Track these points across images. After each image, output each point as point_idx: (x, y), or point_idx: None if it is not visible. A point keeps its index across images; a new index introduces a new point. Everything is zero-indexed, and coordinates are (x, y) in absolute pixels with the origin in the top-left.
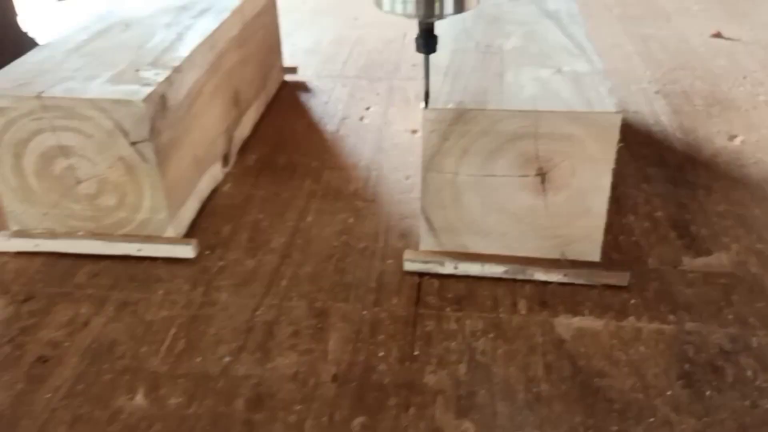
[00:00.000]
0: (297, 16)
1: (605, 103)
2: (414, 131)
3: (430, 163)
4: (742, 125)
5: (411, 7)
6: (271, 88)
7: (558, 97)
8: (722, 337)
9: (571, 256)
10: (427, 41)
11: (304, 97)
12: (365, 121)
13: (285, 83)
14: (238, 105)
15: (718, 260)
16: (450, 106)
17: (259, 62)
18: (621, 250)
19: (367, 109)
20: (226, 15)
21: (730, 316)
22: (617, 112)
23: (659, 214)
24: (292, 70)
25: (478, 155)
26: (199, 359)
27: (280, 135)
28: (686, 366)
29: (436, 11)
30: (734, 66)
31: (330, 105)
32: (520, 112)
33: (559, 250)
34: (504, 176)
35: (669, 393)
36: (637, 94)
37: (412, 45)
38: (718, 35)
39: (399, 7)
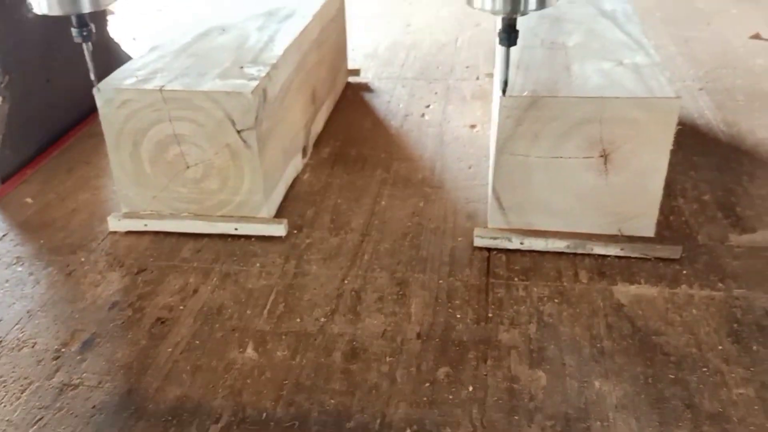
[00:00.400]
0: (354, 22)
1: (666, 90)
2: (473, 126)
3: (504, 146)
4: None
5: (498, 4)
6: (339, 88)
7: (622, 86)
8: (767, 301)
9: (627, 232)
10: (510, 35)
11: (367, 96)
12: (426, 117)
13: (349, 84)
14: (315, 102)
15: (763, 237)
16: (526, 93)
17: (330, 63)
18: (672, 228)
19: (427, 107)
20: (308, 19)
21: None
22: (677, 97)
23: (707, 197)
24: (355, 72)
25: (548, 138)
26: (298, 320)
27: (349, 130)
28: (735, 325)
29: (521, 8)
30: None
31: (392, 104)
32: (588, 99)
33: (617, 226)
34: (570, 158)
35: (720, 348)
36: (681, 91)
37: (464, 49)
38: (757, 36)
39: (488, 5)
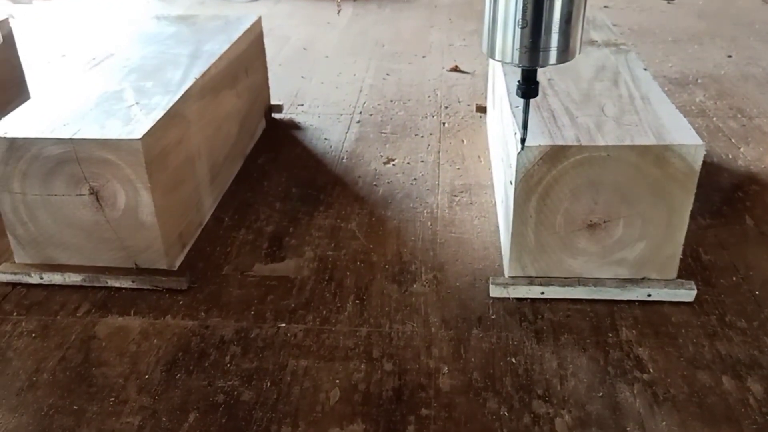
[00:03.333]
0: None
1: (134, 132)
2: None
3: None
4: None
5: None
6: None
7: (98, 128)
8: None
9: (144, 265)
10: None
11: None
12: None
13: None
14: None
15: None
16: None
17: None
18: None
19: None
20: None
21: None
22: (138, 139)
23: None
24: None
25: (37, 177)
26: None
27: None
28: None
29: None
30: None
31: None
32: (59, 140)
33: (132, 260)
34: (63, 195)
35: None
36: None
37: None
38: None
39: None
